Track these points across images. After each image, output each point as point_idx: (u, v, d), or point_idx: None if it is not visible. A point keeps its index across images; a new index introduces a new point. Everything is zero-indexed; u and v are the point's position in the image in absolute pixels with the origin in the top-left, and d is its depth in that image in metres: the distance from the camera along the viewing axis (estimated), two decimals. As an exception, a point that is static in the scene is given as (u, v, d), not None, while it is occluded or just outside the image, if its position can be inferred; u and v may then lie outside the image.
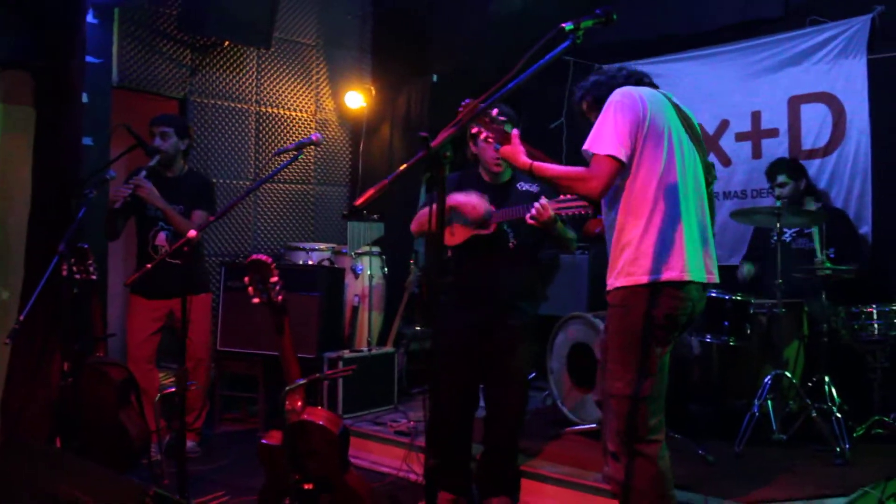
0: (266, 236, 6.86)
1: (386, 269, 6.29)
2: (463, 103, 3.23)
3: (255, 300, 3.12)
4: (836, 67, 5.51)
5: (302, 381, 3.01)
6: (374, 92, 7.25)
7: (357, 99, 7.14)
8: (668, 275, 2.97)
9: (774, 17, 5.83)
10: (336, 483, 3.19)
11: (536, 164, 3.11)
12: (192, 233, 3.39)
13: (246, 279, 3.12)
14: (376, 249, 6.19)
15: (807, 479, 3.95)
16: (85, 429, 4.24)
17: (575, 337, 5.01)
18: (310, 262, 6.17)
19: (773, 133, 5.82)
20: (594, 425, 4.79)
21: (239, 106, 6.62)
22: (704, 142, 3.26)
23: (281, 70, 6.91)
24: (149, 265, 3.40)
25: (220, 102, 6.47)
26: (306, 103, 7.12)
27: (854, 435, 4.38)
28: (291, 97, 7.01)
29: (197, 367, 5.02)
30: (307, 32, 7.09)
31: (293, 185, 7.01)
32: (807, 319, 4.81)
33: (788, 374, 4.47)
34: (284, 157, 3.72)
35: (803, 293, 4.88)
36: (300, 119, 7.08)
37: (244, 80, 6.65)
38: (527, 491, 4.25)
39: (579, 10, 6.98)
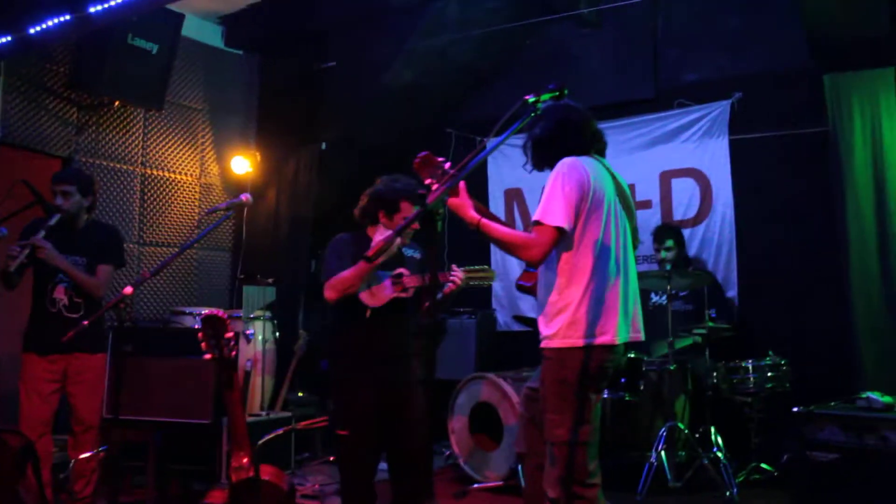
0: (150, 301, 6.68)
1: (277, 334, 6.26)
2: (420, 155, 3.38)
3: (208, 356, 3.10)
4: (701, 146, 6.10)
5: (278, 432, 2.99)
6: (258, 158, 7.27)
7: (243, 164, 7.13)
8: (601, 339, 3.21)
9: (646, 98, 6.39)
10: (283, 540, 3.17)
11: (484, 221, 3.26)
12: (128, 289, 3.33)
13: (199, 335, 3.09)
14: (268, 314, 6.16)
15: (706, 521, 4.27)
16: (-24, 503, 3.97)
17: (477, 397, 5.17)
18: (196, 327, 6.04)
19: (646, 204, 6.31)
20: (499, 482, 4.95)
21: (124, 167, 6.49)
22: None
23: (167, 132, 6.84)
24: (85, 322, 3.27)
25: (105, 163, 6.33)
26: (191, 167, 7.06)
27: (736, 480, 4.74)
28: (177, 160, 6.93)
29: (86, 432, 4.77)
30: (194, 97, 7.08)
31: (175, 249, 6.86)
32: (690, 375, 5.18)
33: (681, 426, 4.80)
34: (211, 220, 3.72)
35: (686, 351, 5.27)
36: (185, 182, 7.00)
37: (130, 141, 6.53)
38: (443, 548, 4.32)
39: (464, 86, 7.42)
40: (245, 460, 3.16)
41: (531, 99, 2.88)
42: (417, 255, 4.15)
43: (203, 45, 7.12)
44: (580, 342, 3.22)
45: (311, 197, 6.92)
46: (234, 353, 3.10)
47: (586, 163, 3.30)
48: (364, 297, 3.88)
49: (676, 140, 6.21)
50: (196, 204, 7.08)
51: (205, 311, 6.13)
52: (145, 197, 6.67)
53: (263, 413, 5.65)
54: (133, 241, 6.51)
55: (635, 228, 3.55)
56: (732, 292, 5.88)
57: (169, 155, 6.87)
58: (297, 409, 6.39)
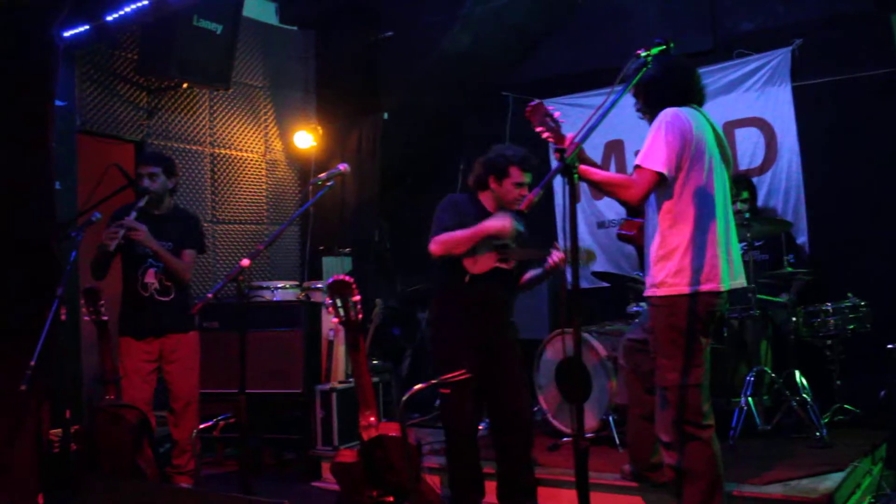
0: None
1: (355, 302, 6.37)
2: (531, 104, 3.52)
3: (335, 320, 3.22)
4: (764, 95, 6.11)
5: (420, 386, 3.12)
6: (321, 131, 7.37)
7: (306, 139, 7.25)
8: (706, 287, 3.35)
9: (704, 50, 6.39)
10: (412, 493, 3.30)
11: (583, 167, 3.37)
12: (245, 262, 3.48)
13: (327, 299, 3.22)
14: (346, 283, 6.28)
15: (801, 461, 4.36)
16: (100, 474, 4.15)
17: (563, 352, 5.27)
18: (276, 300, 6.18)
19: (711, 156, 6.33)
20: (591, 434, 5.06)
21: (194, 148, 6.64)
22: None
23: (232, 111, 6.99)
24: (210, 295, 3.41)
25: (176, 145, 6.48)
26: (256, 144, 7.20)
27: (822, 422, 4.83)
28: (242, 138, 7.08)
29: (186, 409, 4.95)
30: (254, 74, 7.20)
31: (247, 226, 7.04)
32: (771, 321, 5.25)
33: (768, 370, 4.89)
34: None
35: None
36: (251, 160, 7.14)
37: (198, 121, 6.68)
38: (544, 498, 4.42)
39: (521, 48, 7.42)
40: (372, 419, 3.29)
41: (643, 53, 2.98)
42: (522, 229, 4.25)
43: (260, 23, 7.22)
44: (686, 289, 3.34)
45: (375, 167, 7.02)
46: (359, 315, 3.22)
47: (688, 113, 3.40)
48: (467, 262, 4.01)
49: (738, 90, 6.21)
50: (263, 180, 7.23)
51: (283, 283, 6.31)
52: (215, 176, 6.83)
53: (351, 381, 5.79)
54: (207, 220, 6.67)
55: (731, 178, 3.64)
56: (803, 238, 5.91)
57: (235, 133, 7.01)
58: (375, 375, 6.55)
